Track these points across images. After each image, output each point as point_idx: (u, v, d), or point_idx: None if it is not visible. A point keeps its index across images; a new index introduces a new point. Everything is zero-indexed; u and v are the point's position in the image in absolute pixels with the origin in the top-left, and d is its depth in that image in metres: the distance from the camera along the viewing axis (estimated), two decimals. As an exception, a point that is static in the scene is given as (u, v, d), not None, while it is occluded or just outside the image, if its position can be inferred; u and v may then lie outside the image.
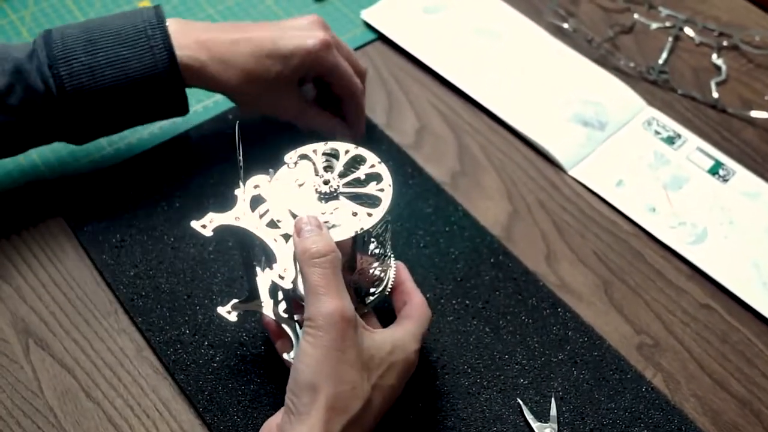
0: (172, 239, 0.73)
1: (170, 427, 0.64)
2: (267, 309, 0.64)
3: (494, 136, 0.83)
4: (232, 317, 0.63)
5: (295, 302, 0.61)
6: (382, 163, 0.60)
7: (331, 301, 0.53)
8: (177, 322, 0.69)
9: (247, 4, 0.92)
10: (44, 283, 0.71)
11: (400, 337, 0.58)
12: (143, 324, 0.68)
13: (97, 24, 0.68)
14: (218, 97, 0.83)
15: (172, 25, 0.69)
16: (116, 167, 0.78)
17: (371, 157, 0.60)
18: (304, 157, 0.60)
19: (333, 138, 0.71)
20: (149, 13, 0.69)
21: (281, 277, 0.55)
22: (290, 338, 0.62)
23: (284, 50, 0.70)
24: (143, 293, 0.70)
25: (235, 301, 0.64)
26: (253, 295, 0.64)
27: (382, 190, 0.58)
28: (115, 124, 0.71)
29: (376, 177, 0.59)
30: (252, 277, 0.64)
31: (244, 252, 0.62)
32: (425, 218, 0.76)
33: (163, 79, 0.68)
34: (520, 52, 0.90)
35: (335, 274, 0.54)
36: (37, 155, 0.78)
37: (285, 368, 0.65)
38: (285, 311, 0.63)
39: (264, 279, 0.65)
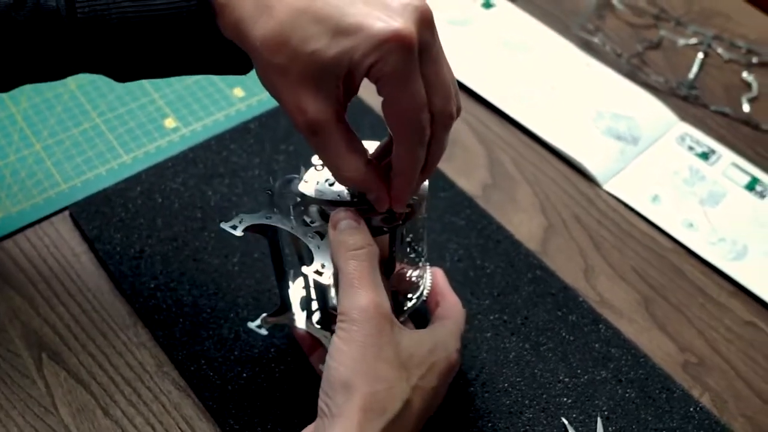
0: (193, 250, 0.70)
1: (194, 447, 0.60)
2: (300, 321, 0.60)
3: (526, 150, 0.80)
4: (263, 331, 0.60)
5: (331, 314, 0.58)
6: None
7: (366, 295, 0.49)
8: (200, 337, 0.65)
9: None
10: (58, 294, 0.67)
11: (441, 336, 0.55)
12: (164, 338, 0.64)
13: None
14: (241, 105, 0.80)
15: None
16: (135, 177, 0.74)
17: None
18: None
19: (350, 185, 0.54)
20: None
21: (319, 273, 0.51)
22: (326, 350, 0.59)
23: (341, 23, 0.46)
24: (164, 306, 0.66)
25: (265, 315, 0.60)
26: (284, 307, 0.61)
27: None
28: (151, 66, 0.57)
29: None
30: (284, 288, 0.60)
31: (277, 261, 0.59)
32: (458, 231, 0.73)
33: (192, 21, 0.53)
34: (550, 65, 0.88)
35: (372, 268, 0.50)
36: (52, 163, 0.74)
37: (318, 384, 0.61)
38: (318, 322, 0.59)
39: (296, 290, 0.62)
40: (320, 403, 0.50)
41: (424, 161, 0.50)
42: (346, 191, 0.55)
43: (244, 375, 0.63)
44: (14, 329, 0.65)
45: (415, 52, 0.46)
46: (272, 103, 0.80)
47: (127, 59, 0.57)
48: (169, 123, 0.78)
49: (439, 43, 0.49)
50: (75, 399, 0.62)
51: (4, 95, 0.79)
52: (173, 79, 0.82)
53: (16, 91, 0.79)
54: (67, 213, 0.72)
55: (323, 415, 0.49)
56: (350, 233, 0.51)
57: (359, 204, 0.53)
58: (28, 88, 0.79)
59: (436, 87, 0.48)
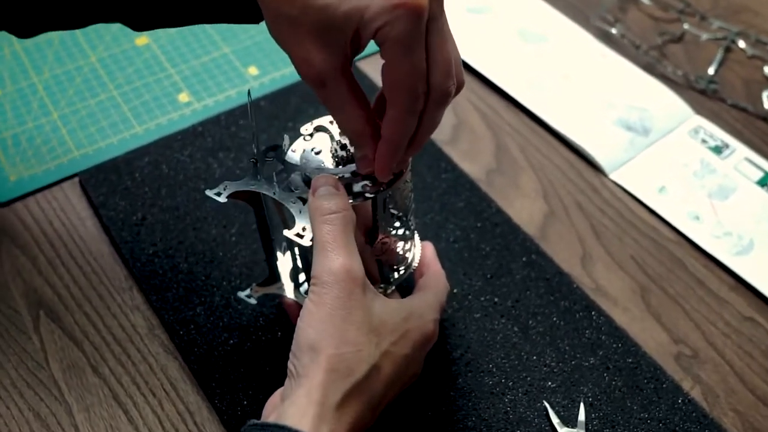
0: (194, 220, 0.71)
1: (176, 408, 0.61)
2: (288, 291, 0.61)
3: (534, 137, 0.80)
4: (253, 300, 0.61)
5: None
6: None
7: (337, 258, 0.50)
8: (192, 303, 0.66)
9: None
10: (61, 256, 0.69)
11: (417, 305, 0.55)
12: (158, 302, 0.66)
13: None
14: (254, 83, 0.82)
15: None
16: (144, 148, 0.76)
17: None
18: (320, 129, 0.57)
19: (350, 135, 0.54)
20: None
21: (300, 236, 0.52)
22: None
23: None
24: (160, 272, 0.68)
25: (254, 284, 0.62)
26: (273, 277, 0.62)
27: None
28: (166, 14, 0.58)
29: None
30: (272, 257, 0.61)
31: (263, 230, 0.60)
32: (457, 212, 0.73)
33: None
34: (565, 54, 0.87)
35: (345, 233, 0.51)
36: (67, 131, 0.77)
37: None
38: (307, 292, 0.60)
39: (286, 262, 0.62)
40: (289, 364, 0.50)
41: (413, 133, 0.50)
42: (331, 160, 0.55)
43: (231, 342, 0.64)
44: (16, 287, 0.67)
45: (424, 22, 0.46)
46: (284, 82, 0.82)
47: (141, 6, 0.57)
48: (183, 97, 0.80)
49: (446, 17, 0.49)
50: (67, 356, 0.63)
51: (28, 65, 0.82)
52: (190, 56, 0.84)
53: (39, 62, 0.82)
54: (76, 179, 0.74)
55: (291, 376, 0.50)
56: (327, 198, 0.51)
57: (343, 172, 0.54)
58: (51, 59, 0.82)
59: (437, 60, 0.48)
